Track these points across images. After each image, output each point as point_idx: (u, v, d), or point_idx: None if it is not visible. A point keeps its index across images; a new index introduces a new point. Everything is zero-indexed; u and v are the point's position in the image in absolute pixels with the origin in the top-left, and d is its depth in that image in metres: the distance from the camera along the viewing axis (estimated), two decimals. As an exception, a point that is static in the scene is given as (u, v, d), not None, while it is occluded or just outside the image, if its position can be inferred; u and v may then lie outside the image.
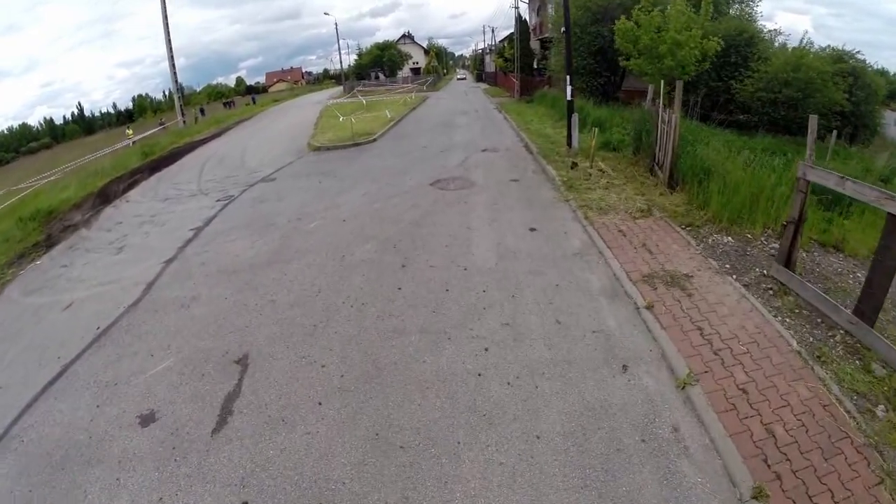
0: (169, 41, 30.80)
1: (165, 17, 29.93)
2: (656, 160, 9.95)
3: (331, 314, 5.61)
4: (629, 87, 23.91)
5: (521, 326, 5.13)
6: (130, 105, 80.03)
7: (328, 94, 50.84)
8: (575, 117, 13.15)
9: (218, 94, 77.94)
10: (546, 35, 31.91)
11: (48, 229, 11.70)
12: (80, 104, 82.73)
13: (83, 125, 75.04)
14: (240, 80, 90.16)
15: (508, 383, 4.33)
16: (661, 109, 9.53)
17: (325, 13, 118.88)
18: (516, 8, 28.76)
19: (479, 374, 4.46)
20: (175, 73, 31.63)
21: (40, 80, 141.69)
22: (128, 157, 23.39)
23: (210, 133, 28.14)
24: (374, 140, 16.55)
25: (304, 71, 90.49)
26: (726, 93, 19.54)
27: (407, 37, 66.04)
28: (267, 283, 6.60)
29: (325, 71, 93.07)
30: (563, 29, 13.71)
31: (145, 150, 23.88)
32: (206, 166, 16.22)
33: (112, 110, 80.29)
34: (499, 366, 4.56)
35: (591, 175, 10.54)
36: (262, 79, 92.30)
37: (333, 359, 4.81)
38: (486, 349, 4.81)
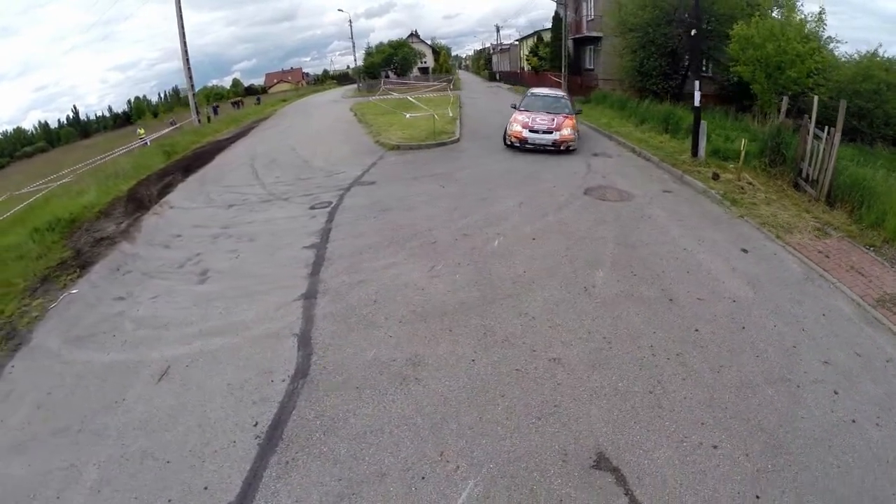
0: (183, 38, 29.08)
1: (180, 15, 27.98)
2: (803, 175, 9.57)
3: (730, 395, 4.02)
4: (688, 91, 22.72)
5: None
6: (126, 108, 79.11)
7: (339, 94, 48.75)
8: (703, 125, 11.90)
9: (217, 96, 75.61)
10: (584, 34, 30.60)
11: (73, 243, 9.68)
12: (75, 107, 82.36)
13: (79, 128, 73.52)
14: (237, 82, 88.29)
15: None
16: (812, 125, 9.23)
17: (340, 10, 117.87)
18: (563, 4, 27.09)
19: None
20: (189, 70, 30.07)
21: (34, 84, 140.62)
22: (148, 157, 21.24)
23: (232, 133, 26.23)
24: (458, 140, 14.67)
25: (303, 72, 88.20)
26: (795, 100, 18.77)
27: (414, 36, 63.99)
28: (529, 337, 4.73)
29: (325, 72, 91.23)
30: (692, 32, 12.41)
31: (167, 150, 21.83)
32: (256, 166, 14.29)
33: (108, 113, 79.50)
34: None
35: (743, 188, 9.64)
36: (257, 80, 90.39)
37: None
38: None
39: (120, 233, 9.72)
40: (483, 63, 69.26)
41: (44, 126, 74.83)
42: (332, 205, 9.35)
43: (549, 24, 33.14)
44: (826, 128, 8.66)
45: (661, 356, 4.38)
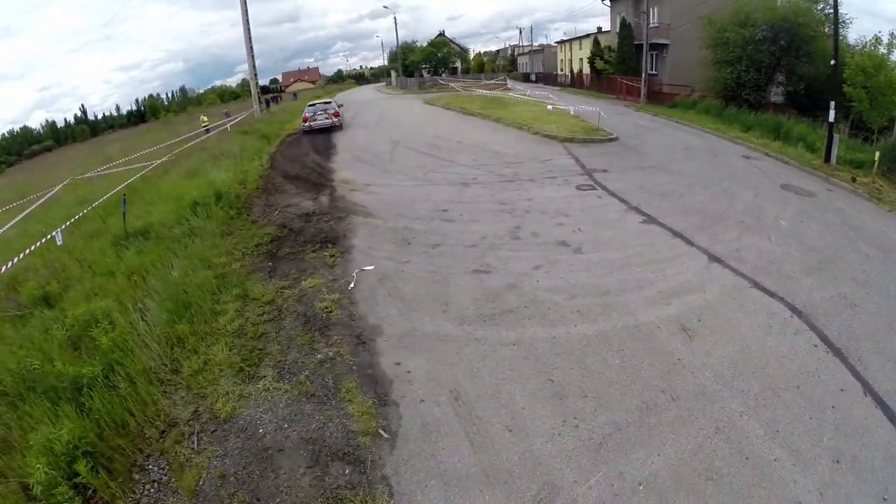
0: (248, 32, 28.68)
1: (245, 10, 27.73)
2: (916, 180, 11.66)
3: None
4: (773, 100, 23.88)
5: None
6: (135, 107, 79.87)
7: (371, 91, 48.65)
8: (836, 138, 13.74)
9: (232, 95, 77.10)
10: (653, 40, 31.24)
11: (266, 219, 9.18)
12: (83, 107, 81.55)
13: (88, 127, 74.38)
14: (246, 82, 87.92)
15: None
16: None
17: (385, 6, 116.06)
18: (645, 13, 27.95)
19: None
20: (253, 60, 29.91)
21: (37, 84, 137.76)
22: (247, 140, 20.72)
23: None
24: (617, 138, 15.58)
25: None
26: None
27: (442, 35, 64.29)
28: (883, 278, 6.59)
29: (339, 71, 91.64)
30: (832, 61, 14.29)
31: (264, 134, 21.74)
32: (423, 150, 14.61)
33: (115, 112, 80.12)
34: None
35: (879, 190, 11.34)
36: (262, 80, 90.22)
37: None
38: None
39: (331, 208, 9.50)
40: (506, 64, 69.42)
41: (51, 125, 75.12)
42: (596, 189, 10.17)
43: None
44: None
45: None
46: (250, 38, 28.11)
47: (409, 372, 4.56)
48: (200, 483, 3.46)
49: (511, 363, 4.67)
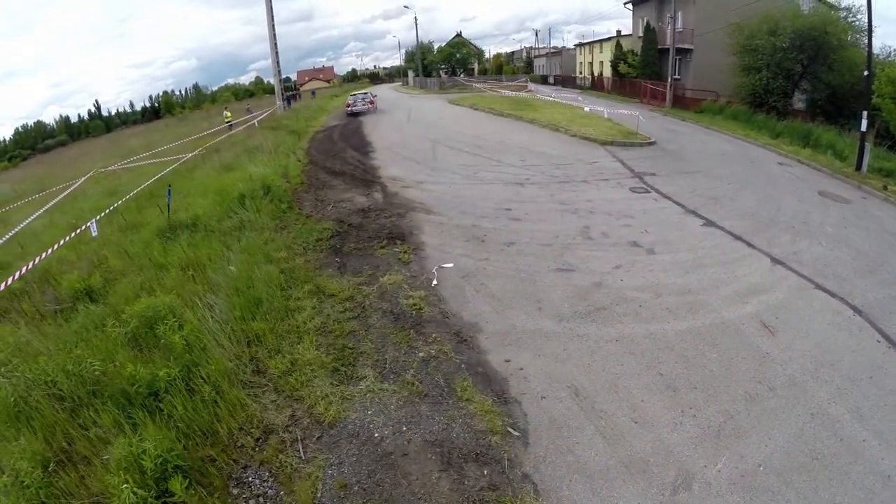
0: (273, 25, 28.93)
1: (270, 8, 27.97)
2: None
3: None
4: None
5: None
6: (147, 103, 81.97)
7: (388, 90, 48.83)
8: (868, 146, 14.06)
9: (247, 93, 79.22)
10: (678, 45, 31.31)
11: (319, 213, 9.13)
12: (97, 102, 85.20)
13: (102, 122, 76.21)
14: (259, 80, 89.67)
15: None
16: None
17: (405, 6, 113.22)
18: (672, 18, 28.01)
19: None
20: (277, 56, 30.17)
21: (50, 80, 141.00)
22: (279, 136, 21.00)
23: (337, 121, 25.99)
24: (655, 142, 15.91)
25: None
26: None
27: (459, 37, 64.49)
28: None
29: (353, 70, 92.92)
30: (865, 72, 14.44)
31: (293, 130, 22.11)
32: (466, 150, 14.78)
33: (129, 109, 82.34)
34: None
35: None
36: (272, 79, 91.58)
37: None
38: None
39: (387, 205, 9.50)
40: (523, 66, 69.54)
41: (65, 120, 76.60)
42: (650, 192, 10.50)
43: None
44: None
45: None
46: (275, 34, 28.46)
47: (521, 369, 4.65)
48: (318, 495, 3.18)
49: (619, 358, 4.94)
